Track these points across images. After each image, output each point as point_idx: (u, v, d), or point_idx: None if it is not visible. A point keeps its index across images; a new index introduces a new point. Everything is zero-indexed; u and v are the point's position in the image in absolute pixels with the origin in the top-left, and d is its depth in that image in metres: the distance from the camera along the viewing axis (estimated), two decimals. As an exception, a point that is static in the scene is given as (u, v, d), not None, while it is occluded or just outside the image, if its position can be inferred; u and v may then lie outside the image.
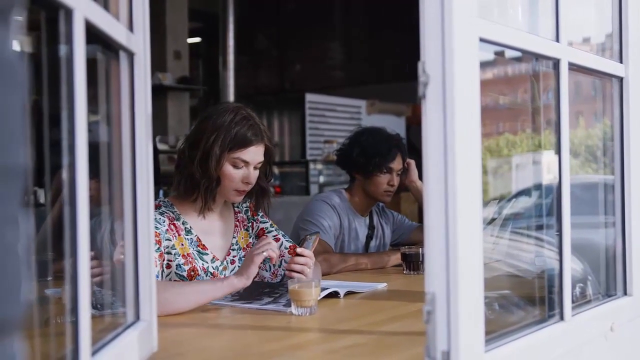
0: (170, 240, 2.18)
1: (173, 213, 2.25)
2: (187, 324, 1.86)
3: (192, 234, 2.27)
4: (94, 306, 1.29)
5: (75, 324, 1.03)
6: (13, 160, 0.58)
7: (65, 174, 1.04)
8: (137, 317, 1.40)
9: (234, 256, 2.37)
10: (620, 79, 1.85)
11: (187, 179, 2.24)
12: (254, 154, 2.25)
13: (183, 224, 2.26)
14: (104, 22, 1.17)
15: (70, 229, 1.03)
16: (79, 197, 1.03)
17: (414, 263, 2.69)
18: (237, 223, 2.42)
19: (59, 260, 1.18)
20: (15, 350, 0.59)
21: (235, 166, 2.23)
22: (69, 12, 1.02)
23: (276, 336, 1.72)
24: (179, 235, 2.23)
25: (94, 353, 1.11)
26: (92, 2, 1.11)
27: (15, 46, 0.60)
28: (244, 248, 2.40)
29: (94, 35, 1.14)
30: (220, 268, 2.31)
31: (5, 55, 0.58)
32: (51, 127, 1.08)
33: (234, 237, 2.39)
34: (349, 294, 2.22)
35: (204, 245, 2.28)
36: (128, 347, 1.29)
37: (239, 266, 2.33)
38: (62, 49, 1.05)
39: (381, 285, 2.39)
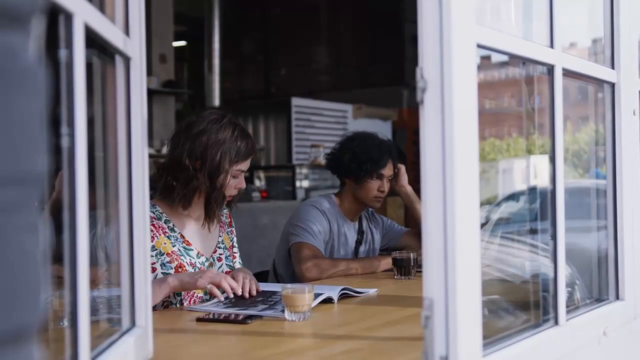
0: (150, 242, 2.19)
1: (154, 213, 2.28)
2: (181, 330, 1.86)
3: (175, 232, 2.33)
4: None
5: (74, 330, 1.02)
6: (32, 167, 0.58)
7: (64, 178, 1.03)
8: (133, 324, 1.39)
9: (220, 254, 2.45)
10: (612, 85, 1.86)
11: (191, 192, 2.30)
12: (249, 162, 2.39)
13: (165, 222, 2.32)
14: (102, 27, 1.17)
15: (69, 235, 1.02)
16: (79, 202, 1.03)
17: (405, 268, 2.69)
18: (222, 224, 2.51)
19: (51, 265, 1.17)
20: (34, 356, 0.59)
21: (235, 177, 2.34)
22: (69, 17, 1.01)
23: (271, 342, 1.71)
24: (160, 235, 2.28)
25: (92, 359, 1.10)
26: (92, 7, 1.10)
27: (35, 53, 0.60)
28: (228, 248, 2.50)
29: (91, 39, 1.13)
30: (207, 264, 2.37)
31: (25, 62, 0.58)
32: (49, 131, 1.07)
33: (220, 236, 2.48)
34: (343, 297, 2.23)
35: (188, 241, 2.34)
36: (125, 354, 1.28)
37: (226, 264, 2.44)
38: (62, 53, 1.04)
39: (372, 291, 2.39)
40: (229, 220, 2.57)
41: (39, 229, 0.60)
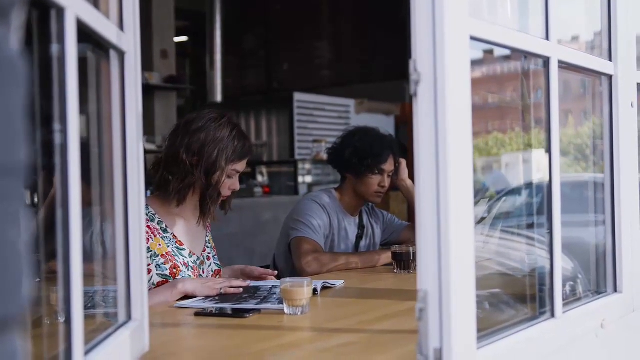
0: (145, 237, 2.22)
1: (147, 214, 2.29)
2: (178, 324, 1.86)
3: (168, 232, 2.35)
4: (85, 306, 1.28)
5: (68, 324, 1.03)
6: (15, 158, 0.58)
7: (56, 175, 1.03)
8: (129, 317, 1.40)
9: (208, 253, 2.49)
10: (610, 77, 1.86)
11: (186, 188, 2.32)
12: (245, 164, 2.42)
13: (158, 223, 2.34)
14: (95, 21, 1.17)
15: (62, 230, 1.03)
16: (71, 198, 1.03)
17: (404, 262, 2.69)
18: (208, 224, 2.54)
19: (48, 261, 1.18)
20: (17, 347, 0.59)
21: (229, 176, 2.36)
22: (60, 11, 1.01)
23: (268, 336, 1.71)
24: (155, 236, 2.30)
25: (86, 353, 1.11)
26: (84, 1, 1.10)
27: (16, 45, 0.60)
28: (213, 247, 2.54)
29: (84, 34, 1.13)
30: (198, 263, 2.41)
31: (6, 54, 0.58)
32: (41, 127, 1.08)
33: (207, 236, 2.52)
34: (324, 288, 2.27)
35: (180, 241, 2.37)
36: (120, 347, 1.29)
37: (214, 262, 2.49)
38: (54, 48, 1.04)
39: (339, 283, 2.41)
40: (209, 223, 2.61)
41: (22, 220, 0.60)
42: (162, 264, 2.26)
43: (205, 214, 2.37)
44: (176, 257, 2.31)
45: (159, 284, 2.24)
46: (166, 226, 2.35)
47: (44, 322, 1.35)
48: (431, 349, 1.19)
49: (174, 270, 2.27)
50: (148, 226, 2.28)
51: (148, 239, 2.25)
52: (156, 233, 2.30)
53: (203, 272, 2.41)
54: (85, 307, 1.16)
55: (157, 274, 2.25)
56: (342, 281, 2.44)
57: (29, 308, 0.60)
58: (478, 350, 1.26)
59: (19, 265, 0.59)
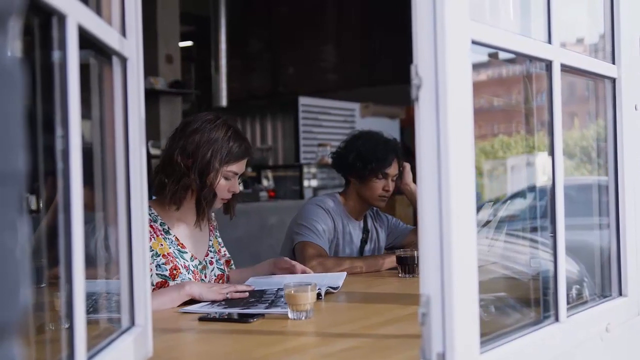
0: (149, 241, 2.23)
1: (150, 215, 2.30)
2: (182, 329, 1.86)
3: (170, 234, 2.36)
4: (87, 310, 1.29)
5: (70, 330, 1.03)
6: (12, 165, 0.58)
7: (59, 180, 1.04)
8: (132, 323, 1.40)
9: (211, 257, 2.49)
10: (613, 80, 1.85)
11: (182, 190, 2.32)
12: (243, 166, 2.41)
13: (161, 225, 2.35)
14: (96, 28, 1.17)
15: (64, 235, 1.03)
16: (73, 203, 1.03)
17: (409, 266, 2.68)
18: (211, 228, 2.55)
19: (52, 266, 1.18)
20: (14, 354, 0.59)
21: (226, 178, 2.36)
22: (62, 18, 1.02)
23: (272, 340, 1.71)
24: (157, 236, 2.31)
25: (89, 358, 1.11)
26: (85, 8, 1.10)
27: (13, 52, 0.61)
28: (217, 251, 2.53)
29: (86, 40, 1.13)
30: (200, 267, 2.41)
31: (4, 61, 0.58)
32: (43, 133, 1.08)
33: (210, 240, 2.51)
34: (328, 293, 2.27)
35: (182, 244, 2.37)
36: (123, 353, 1.29)
37: (217, 267, 2.49)
38: (55, 55, 1.04)
39: (342, 276, 2.43)
40: (215, 225, 2.62)
41: (20, 227, 0.60)
42: (163, 264, 2.27)
43: (201, 215, 2.37)
44: (177, 259, 2.31)
45: (158, 285, 2.24)
46: (169, 228, 2.35)
47: (49, 327, 1.35)
48: (434, 354, 1.19)
49: (174, 272, 2.28)
50: (151, 226, 2.29)
51: (150, 238, 2.26)
52: (158, 233, 2.31)
53: (205, 277, 2.41)
54: (88, 312, 1.16)
55: (156, 274, 2.25)
56: (345, 273, 2.47)
57: (29, 314, 0.60)
58: (481, 355, 1.26)
59: (17, 272, 0.59)
